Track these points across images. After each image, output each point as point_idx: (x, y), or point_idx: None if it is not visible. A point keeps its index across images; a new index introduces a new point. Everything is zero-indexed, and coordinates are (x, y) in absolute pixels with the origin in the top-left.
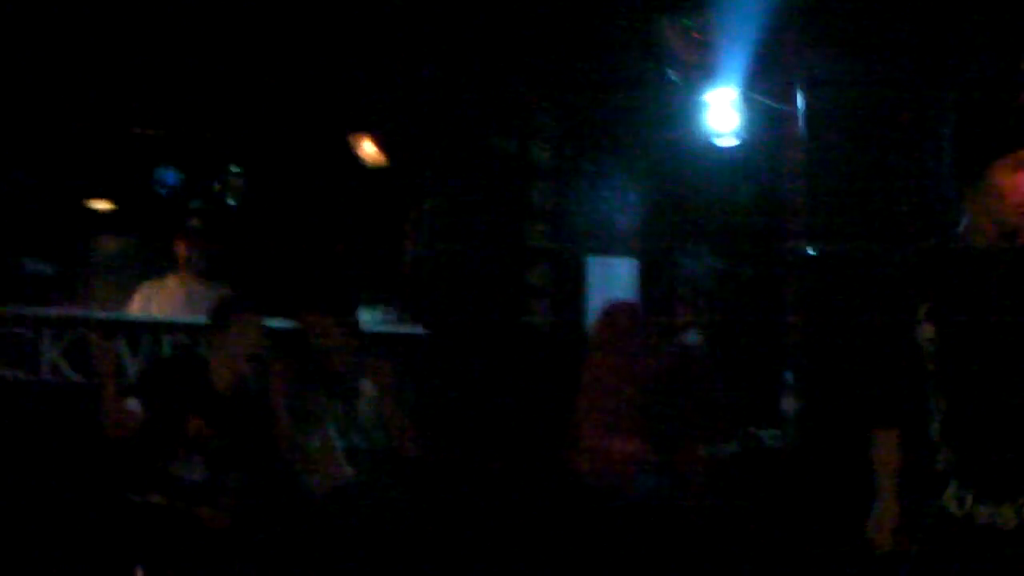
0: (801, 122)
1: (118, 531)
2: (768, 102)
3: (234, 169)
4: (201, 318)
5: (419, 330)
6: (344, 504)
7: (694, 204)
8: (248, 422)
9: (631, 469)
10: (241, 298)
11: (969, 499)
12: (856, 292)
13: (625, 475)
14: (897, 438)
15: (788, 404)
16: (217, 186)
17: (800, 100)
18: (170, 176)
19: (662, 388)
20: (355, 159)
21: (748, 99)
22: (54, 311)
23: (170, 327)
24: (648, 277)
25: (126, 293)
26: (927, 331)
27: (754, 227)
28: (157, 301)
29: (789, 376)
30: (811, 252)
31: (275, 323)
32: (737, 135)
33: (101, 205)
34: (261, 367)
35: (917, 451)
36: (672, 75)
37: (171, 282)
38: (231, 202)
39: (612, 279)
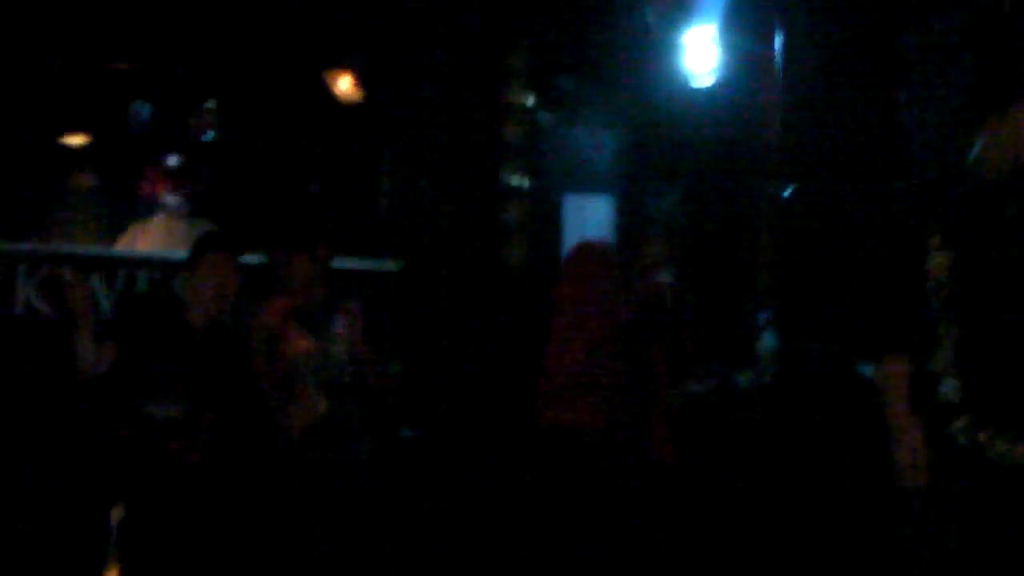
0: (777, 62)
1: (93, 468)
2: (745, 42)
3: (208, 104)
4: (176, 254)
5: (393, 267)
6: (317, 440)
7: (669, 143)
8: (222, 359)
9: (603, 407)
10: (216, 235)
11: (983, 434)
12: (832, 230)
13: (597, 413)
14: (906, 367)
15: (763, 344)
16: (192, 121)
17: (777, 40)
18: (144, 111)
19: (635, 327)
20: (330, 95)
21: (725, 39)
22: (28, 246)
23: (146, 263)
24: (622, 215)
25: (102, 230)
26: (940, 260)
27: (729, 166)
28: (142, 240)
29: (764, 316)
30: (786, 191)
31: (250, 260)
32: (713, 75)
33: (76, 140)
34: (235, 304)
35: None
36: (649, 14)
37: (155, 221)
38: (206, 138)
39: (587, 217)
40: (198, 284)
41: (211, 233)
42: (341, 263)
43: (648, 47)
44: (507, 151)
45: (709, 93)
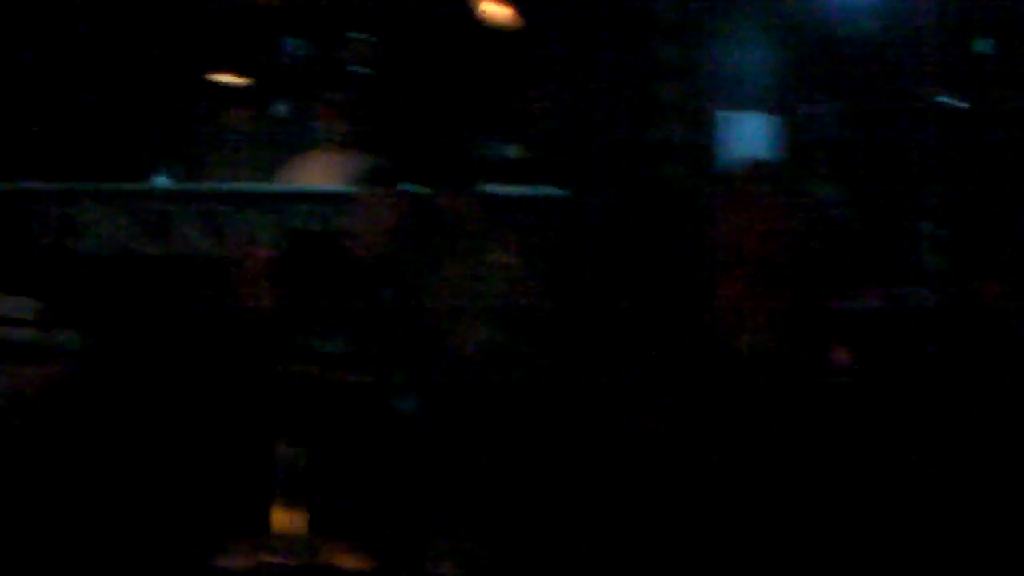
0: None
1: (259, 403)
2: None
3: (362, 36)
4: (336, 188)
5: (552, 192)
6: (482, 367)
7: (829, 55)
8: (386, 291)
9: (774, 329)
10: (376, 169)
11: None
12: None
13: (768, 336)
14: None
15: (933, 261)
16: (346, 54)
17: None
18: (296, 46)
19: (798, 245)
20: (483, 22)
21: None
22: (187, 185)
23: (306, 198)
24: (783, 132)
25: (259, 167)
26: None
27: (892, 77)
28: (302, 175)
29: (935, 232)
30: (953, 103)
31: (409, 191)
32: None
33: (227, 78)
34: (397, 236)
35: None
36: None
37: (314, 156)
38: (359, 70)
39: (745, 135)
40: (358, 218)
41: (372, 167)
42: (497, 190)
43: None
44: (662, 69)
45: (871, 4)
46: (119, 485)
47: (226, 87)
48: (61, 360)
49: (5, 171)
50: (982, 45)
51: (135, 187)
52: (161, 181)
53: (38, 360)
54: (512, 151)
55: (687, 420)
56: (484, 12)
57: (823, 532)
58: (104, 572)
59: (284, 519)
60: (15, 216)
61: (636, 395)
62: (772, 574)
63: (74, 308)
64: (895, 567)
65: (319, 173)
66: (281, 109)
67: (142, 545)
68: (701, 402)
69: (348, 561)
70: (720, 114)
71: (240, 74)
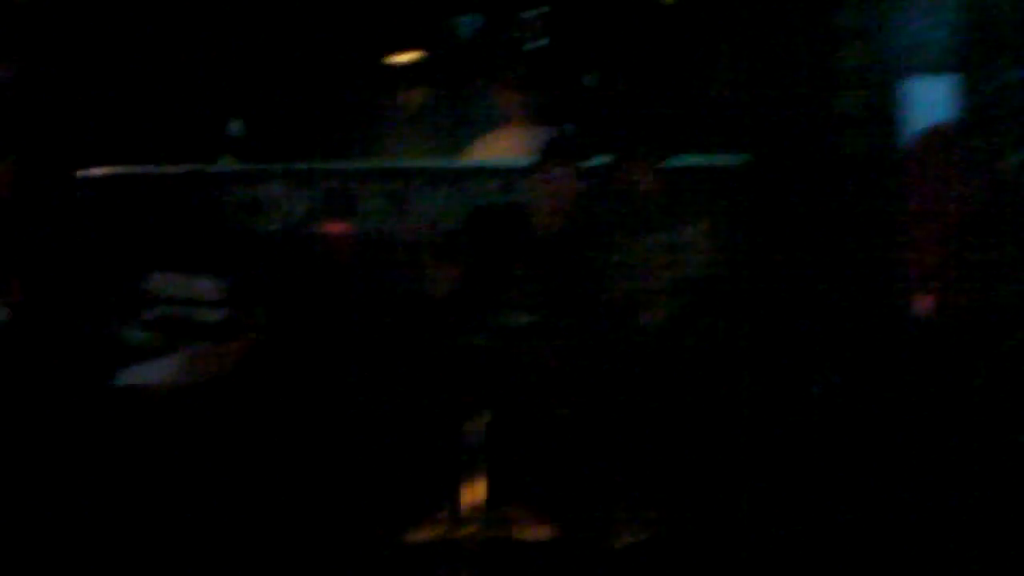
0: None
1: (449, 380)
2: None
3: (536, 11)
4: (521, 163)
5: (734, 161)
6: (669, 340)
7: (1017, 16)
8: (571, 265)
9: (961, 296)
10: (557, 143)
11: None
12: None
13: (955, 302)
14: None
15: None
16: (521, 29)
17: None
18: (473, 21)
19: (985, 213)
20: None
21: None
22: (370, 165)
23: (493, 174)
24: (967, 97)
25: (440, 145)
26: None
27: None
28: (488, 152)
29: None
30: None
31: (592, 165)
32: None
33: (403, 57)
34: (581, 210)
35: None
36: None
37: (500, 132)
38: (536, 44)
39: (929, 100)
40: (541, 192)
41: (551, 141)
42: (681, 160)
43: None
44: (845, 34)
45: None
46: (306, 461)
47: (405, 66)
48: (248, 338)
49: (193, 154)
50: None
51: (320, 166)
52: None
53: (226, 338)
54: (690, 121)
55: (873, 386)
56: None
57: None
58: (300, 546)
59: (472, 493)
60: (203, 198)
61: (817, 362)
62: None
63: (261, 287)
64: None
65: (504, 148)
66: (461, 86)
67: (335, 520)
68: (890, 369)
69: (534, 532)
70: (904, 80)
71: (418, 52)
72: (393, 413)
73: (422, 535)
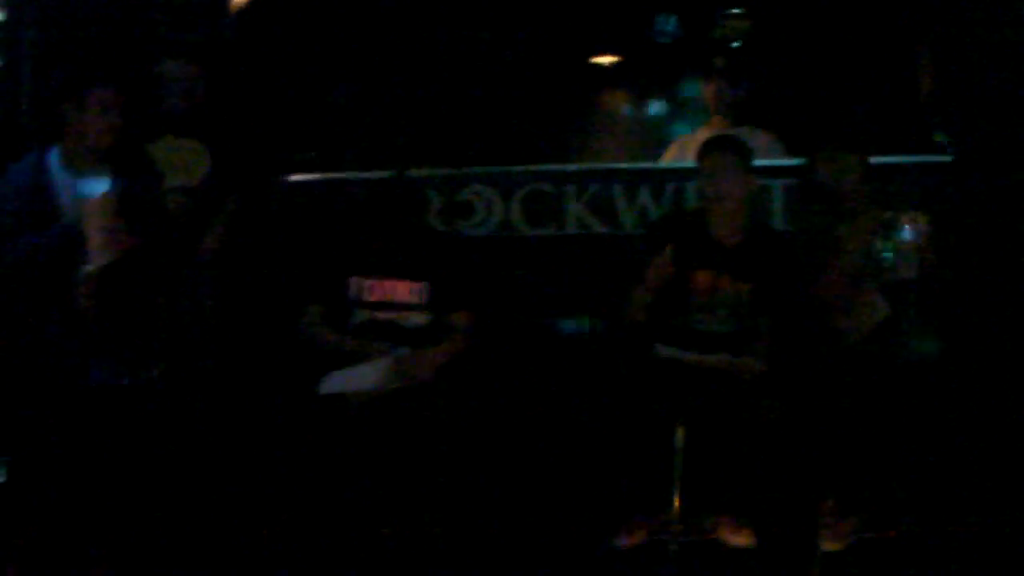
0: None
1: (652, 389)
2: None
3: (734, 10)
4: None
5: (939, 159)
6: (878, 342)
7: None
8: (763, 268)
9: None
10: (720, 139)
11: None
12: None
13: None
14: None
15: None
16: (719, 29)
17: None
18: (670, 22)
19: None
20: None
21: None
22: (576, 166)
23: (694, 174)
24: None
25: (639, 146)
26: None
27: None
28: (689, 152)
29: None
30: None
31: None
32: None
33: (604, 59)
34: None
35: None
36: None
37: (702, 132)
38: (734, 44)
39: None
40: (705, 191)
41: (715, 138)
42: (889, 158)
43: None
44: None
45: None
46: (510, 464)
47: (608, 67)
48: (453, 343)
49: (394, 159)
50: None
51: (525, 169)
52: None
53: (431, 343)
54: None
55: None
56: None
57: None
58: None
59: (676, 499)
60: (406, 203)
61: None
62: None
63: (466, 292)
64: None
65: None
66: (664, 86)
67: (540, 525)
68: None
69: (737, 538)
70: None
71: (618, 54)
72: (594, 420)
73: (627, 540)
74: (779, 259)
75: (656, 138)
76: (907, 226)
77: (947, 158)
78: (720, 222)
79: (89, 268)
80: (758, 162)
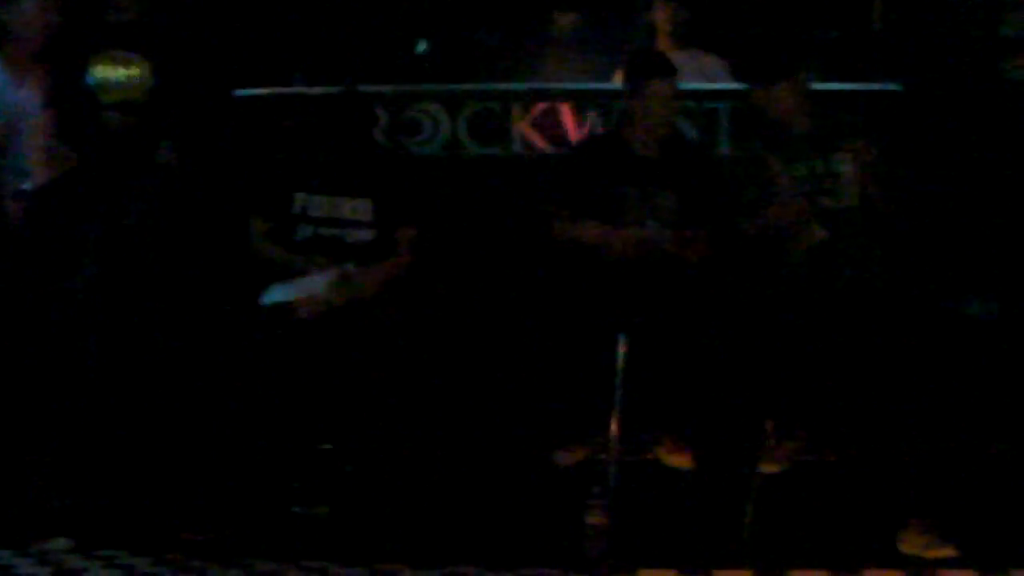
0: None
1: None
2: None
3: None
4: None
5: (890, 87)
6: (817, 266)
7: None
8: (685, 179)
9: None
10: (653, 60)
11: None
12: None
13: None
14: None
15: None
16: None
17: None
18: None
19: None
20: None
21: None
22: (523, 85)
23: None
24: None
25: (589, 67)
26: None
27: None
28: None
29: None
30: None
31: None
32: None
33: None
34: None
35: None
36: None
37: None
38: None
39: None
40: (640, 110)
41: (648, 57)
42: (837, 85)
43: None
44: None
45: None
46: (451, 380)
47: None
48: (398, 259)
49: (342, 74)
50: None
51: (474, 88)
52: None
53: (376, 259)
54: (849, 43)
55: None
56: None
57: None
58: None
59: (615, 417)
60: (354, 119)
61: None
62: None
63: (412, 209)
64: None
65: None
66: (614, 7)
67: (481, 442)
68: None
69: (677, 459)
70: None
71: None
72: (536, 337)
73: (567, 458)
74: (698, 166)
75: (612, 60)
76: (849, 154)
77: (896, 86)
78: (643, 139)
79: (25, 186)
80: (702, 85)
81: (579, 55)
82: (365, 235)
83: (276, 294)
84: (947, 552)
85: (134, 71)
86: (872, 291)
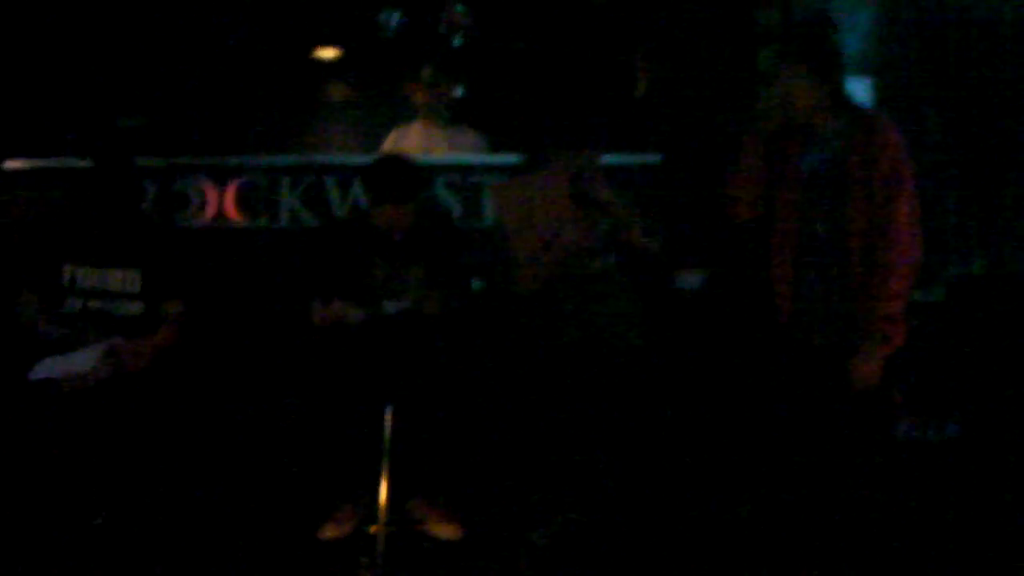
0: None
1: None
2: None
3: (459, 8)
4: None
5: (653, 159)
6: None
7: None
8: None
9: None
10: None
11: None
12: None
13: None
14: None
15: None
16: (443, 27)
17: None
18: (394, 18)
19: None
20: None
21: None
22: (291, 158)
23: None
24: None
25: (359, 140)
26: None
27: None
28: (402, 146)
29: None
30: None
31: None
32: None
33: (326, 52)
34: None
35: None
36: None
37: (415, 127)
38: (457, 42)
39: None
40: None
41: (380, 164)
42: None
43: None
44: (763, 36)
45: None
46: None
47: (329, 61)
48: (167, 332)
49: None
50: None
51: (240, 161)
52: None
53: (144, 332)
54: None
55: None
56: None
57: None
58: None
59: (382, 489)
60: (122, 192)
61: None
62: None
63: (179, 281)
64: None
65: (419, 144)
66: (380, 81)
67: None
68: None
69: (444, 531)
70: None
71: (338, 47)
72: (302, 408)
73: (333, 532)
74: (446, 238)
75: (378, 133)
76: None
77: (656, 158)
78: (388, 223)
79: None
80: (474, 159)
81: (350, 128)
82: (135, 307)
83: (43, 369)
84: None
85: None
86: (629, 351)
